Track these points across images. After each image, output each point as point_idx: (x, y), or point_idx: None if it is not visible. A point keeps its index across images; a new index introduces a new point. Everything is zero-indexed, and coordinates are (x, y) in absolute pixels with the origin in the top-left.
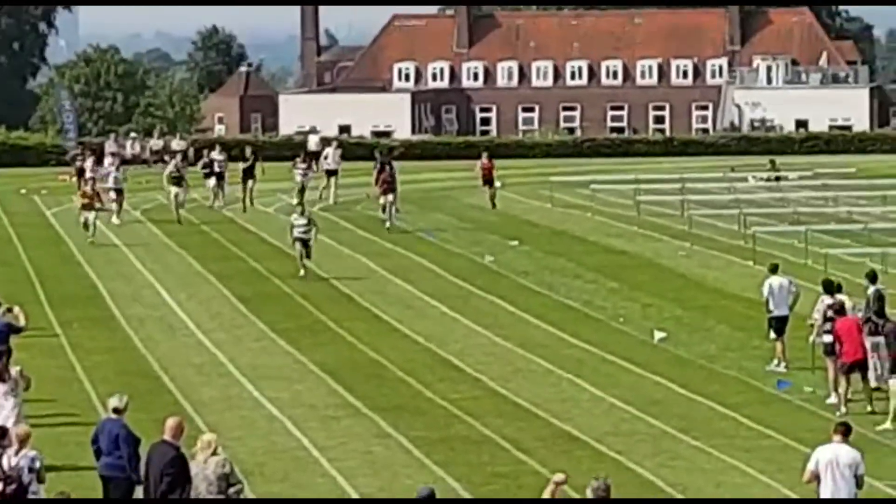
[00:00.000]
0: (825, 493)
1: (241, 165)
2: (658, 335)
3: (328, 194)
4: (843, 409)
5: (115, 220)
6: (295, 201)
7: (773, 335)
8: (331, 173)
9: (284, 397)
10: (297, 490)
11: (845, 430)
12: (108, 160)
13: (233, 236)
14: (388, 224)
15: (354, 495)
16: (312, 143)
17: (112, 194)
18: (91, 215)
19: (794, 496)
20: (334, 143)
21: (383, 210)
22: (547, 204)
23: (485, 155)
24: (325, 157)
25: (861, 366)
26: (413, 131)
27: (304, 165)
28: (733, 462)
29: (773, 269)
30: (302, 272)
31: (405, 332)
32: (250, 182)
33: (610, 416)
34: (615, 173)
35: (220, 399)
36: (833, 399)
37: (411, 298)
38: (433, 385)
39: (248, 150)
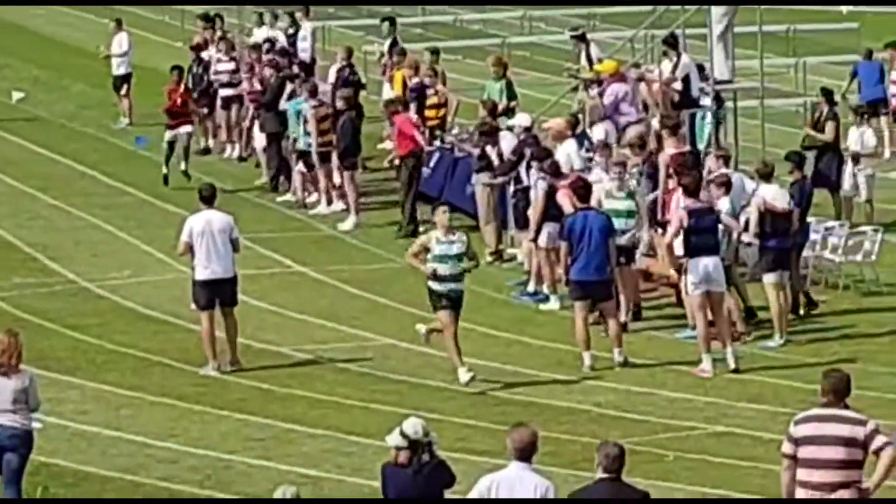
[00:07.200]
0: (200, 256)
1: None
2: (16, 95)
3: None
4: None
5: None
6: None
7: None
8: None
9: None
10: None
11: (211, 196)
12: None
13: None
14: None
15: None
16: None
17: None
18: None
19: (160, 256)
20: None
21: None
22: None
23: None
24: None
25: None
26: None
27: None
28: (92, 220)
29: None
30: None
31: None
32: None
33: None
34: None
35: None
36: None
37: None
38: None
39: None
